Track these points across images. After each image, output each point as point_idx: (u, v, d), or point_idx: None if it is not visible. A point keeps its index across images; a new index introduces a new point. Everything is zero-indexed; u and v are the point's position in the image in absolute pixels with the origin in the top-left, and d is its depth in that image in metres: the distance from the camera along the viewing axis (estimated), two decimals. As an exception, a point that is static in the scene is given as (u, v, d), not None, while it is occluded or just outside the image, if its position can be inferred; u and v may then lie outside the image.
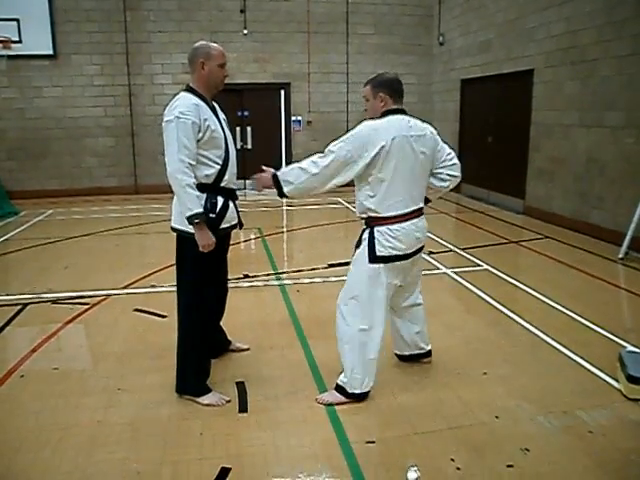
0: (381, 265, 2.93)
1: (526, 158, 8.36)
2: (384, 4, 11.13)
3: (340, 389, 3.05)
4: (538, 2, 7.83)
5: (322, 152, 2.94)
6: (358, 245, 3.03)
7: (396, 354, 3.50)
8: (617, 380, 3.22)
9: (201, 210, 2.82)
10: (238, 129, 10.96)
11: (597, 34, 6.67)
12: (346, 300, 3.02)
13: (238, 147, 10.84)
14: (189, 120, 2.79)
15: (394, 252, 2.94)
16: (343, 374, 3.05)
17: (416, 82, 11.50)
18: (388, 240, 2.92)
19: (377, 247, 2.91)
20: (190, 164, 2.81)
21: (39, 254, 6.40)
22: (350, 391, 3.02)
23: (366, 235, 2.98)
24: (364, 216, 3.00)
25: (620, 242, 5.97)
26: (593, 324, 4.10)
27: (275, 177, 2.97)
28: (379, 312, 2.99)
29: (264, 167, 3.05)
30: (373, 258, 2.92)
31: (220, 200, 3.00)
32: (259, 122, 11.23)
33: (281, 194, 2.98)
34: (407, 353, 3.45)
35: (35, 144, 10.32)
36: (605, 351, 3.63)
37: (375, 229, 2.93)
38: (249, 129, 11.19)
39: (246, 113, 11.12)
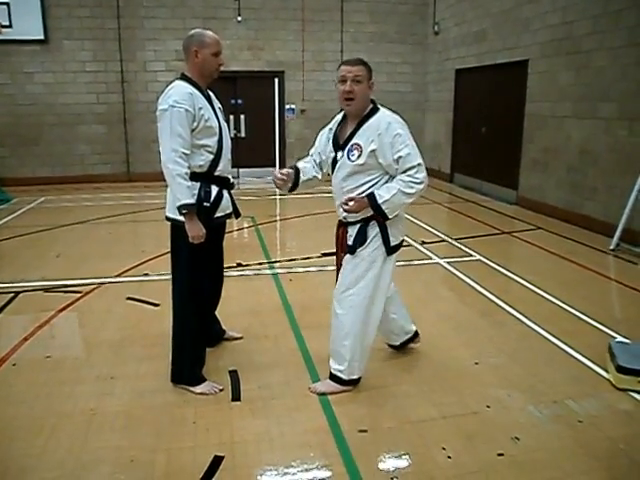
0: (392, 255, 2.94)
1: (520, 149, 8.37)
2: (379, -8, 11.07)
3: (335, 378, 3.06)
4: (534, -8, 7.81)
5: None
6: (361, 243, 2.85)
7: (388, 345, 3.52)
8: (606, 370, 3.26)
9: (191, 201, 2.81)
10: (232, 117, 10.90)
11: (592, 25, 6.66)
12: (353, 292, 2.90)
13: (232, 135, 10.76)
14: (183, 109, 2.78)
15: (401, 238, 2.99)
16: (336, 363, 3.04)
17: (410, 71, 11.47)
18: (398, 228, 2.93)
19: (391, 238, 2.87)
20: (184, 153, 2.80)
21: (31, 242, 6.36)
22: (348, 378, 3.03)
23: (375, 230, 2.85)
24: (369, 214, 2.82)
25: (611, 233, 6.01)
26: (584, 315, 4.14)
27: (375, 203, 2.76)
28: (382, 303, 3.02)
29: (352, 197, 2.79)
30: (389, 250, 2.89)
31: (214, 189, 2.99)
32: (253, 110, 11.17)
33: (385, 217, 2.81)
34: (398, 343, 3.47)
35: (27, 131, 10.21)
36: (595, 341, 3.66)
37: (387, 221, 2.84)
38: (242, 117, 11.13)
39: (240, 101, 11.06)
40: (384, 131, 2.73)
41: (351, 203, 2.77)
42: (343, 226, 2.98)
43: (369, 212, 2.81)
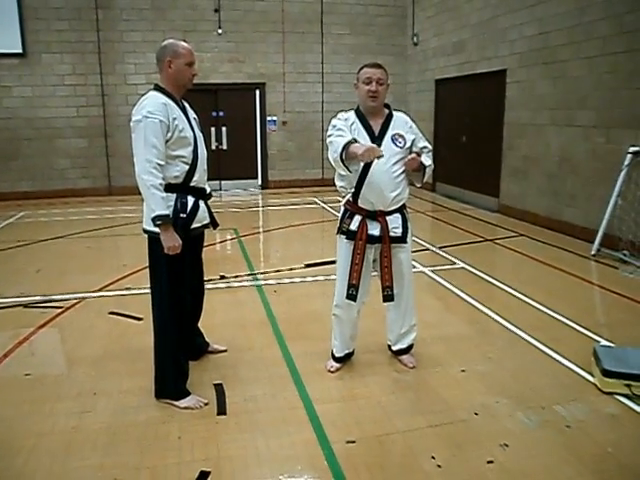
0: None
1: (500, 157, 8.46)
2: (358, 4, 11.16)
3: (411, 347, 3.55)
4: (511, 3, 7.93)
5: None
6: (406, 231, 3.20)
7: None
8: (592, 374, 3.27)
9: (165, 212, 2.78)
10: (213, 129, 10.88)
11: (568, 35, 6.79)
12: (411, 273, 3.43)
13: (213, 147, 10.75)
14: (157, 119, 2.76)
15: None
16: (412, 339, 3.53)
17: (391, 82, 11.36)
18: None
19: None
20: (159, 164, 2.78)
21: (10, 257, 6.25)
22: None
23: (403, 217, 3.22)
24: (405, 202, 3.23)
25: (592, 239, 6.08)
26: (568, 320, 4.16)
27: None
28: None
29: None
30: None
31: (190, 200, 2.97)
32: (234, 122, 11.15)
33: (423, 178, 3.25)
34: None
35: (5, 145, 10.07)
36: (580, 346, 3.68)
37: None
38: (224, 129, 11.10)
39: (221, 113, 11.03)
40: (412, 124, 3.21)
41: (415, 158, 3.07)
42: (382, 216, 3.11)
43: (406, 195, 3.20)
